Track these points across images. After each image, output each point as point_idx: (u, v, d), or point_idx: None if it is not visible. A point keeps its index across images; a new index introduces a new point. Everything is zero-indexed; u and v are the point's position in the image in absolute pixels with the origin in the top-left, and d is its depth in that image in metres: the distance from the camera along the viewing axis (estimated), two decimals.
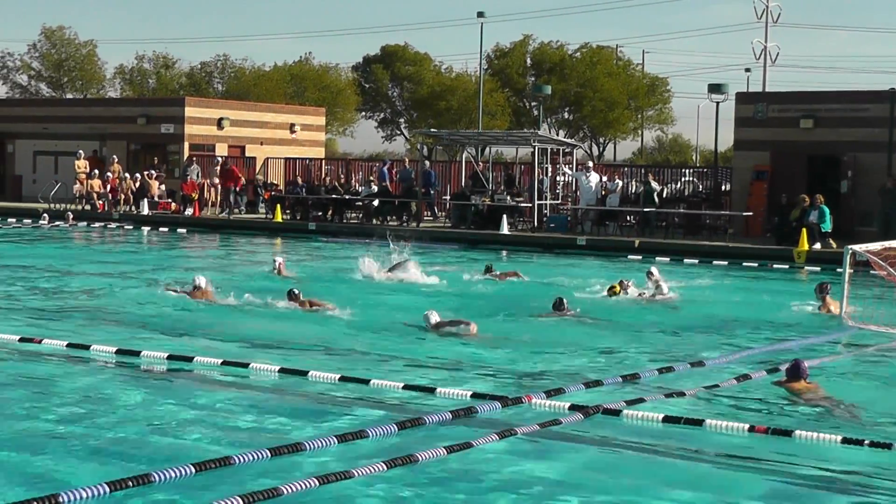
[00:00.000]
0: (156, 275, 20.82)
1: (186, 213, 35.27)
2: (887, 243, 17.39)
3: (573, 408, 10.02)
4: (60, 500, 6.97)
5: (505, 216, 30.19)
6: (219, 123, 40.97)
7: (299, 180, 36.56)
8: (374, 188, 34.47)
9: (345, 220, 33.58)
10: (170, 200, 36.70)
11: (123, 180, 36.99)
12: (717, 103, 32.84)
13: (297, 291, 16.67)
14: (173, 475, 7.60)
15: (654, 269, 19.75)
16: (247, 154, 41.62)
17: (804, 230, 26.06)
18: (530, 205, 31.38)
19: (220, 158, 38.58)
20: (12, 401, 10.44)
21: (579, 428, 9.66)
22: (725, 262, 25.32)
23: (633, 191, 33.33)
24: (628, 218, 31.74)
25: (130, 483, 7.42)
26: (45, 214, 34.35)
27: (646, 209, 30.46)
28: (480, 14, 47.36)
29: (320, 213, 34.03)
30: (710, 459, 9.04)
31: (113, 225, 33.61)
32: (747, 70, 69.97)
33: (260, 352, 13.12)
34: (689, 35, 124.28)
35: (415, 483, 8.14)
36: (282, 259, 21.40)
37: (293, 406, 10.49)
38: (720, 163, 35.25)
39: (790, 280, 23.26)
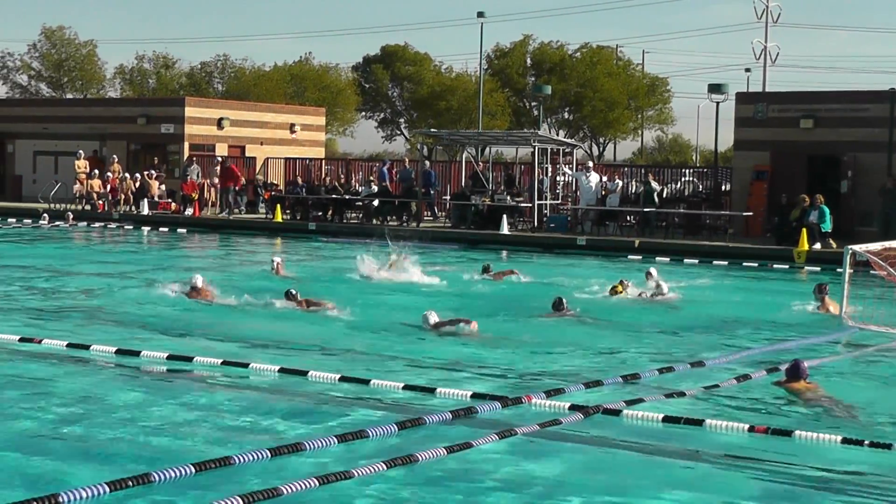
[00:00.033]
0: (156, 275, 20.81)
1: (186, 213, 35.27)
2: (887, 243, 17.39)
3: (573, 408, 10.02)
4: (60, 500, 6.98)
5: (505, 216, 30.19)
6: (219, 123, 40.98)
7: (299, 180, 36.56)
8: (374, 188, 34.48)
9: (345, 220, 33.58)
10: (170, 200, 36.70)
11: (123, 180, 37.00)
12: (717, 103, 32.85)
13: (294, 291, 16.66)
14: (173, 475, 7.61)
15: (652, 270, 19.78)
16: (247, 154, 41.62)
17: (804, 230, 26.06)
18: (530, 205, 31.38)
19: (219, 158, 38.59)
20: (12, 400, 10.44)
21: (579, 428, 9.66)
22: (725, 262, 25.32)
23: (633, 191, 33.33)
24: (628, 218, 31.75)
25: (130, 483, 7.42)
26: (45, 214, 34.36)
27: (646, 209, 30.46)
28: (480, 14, 47.35)
29: (320, 213, 34.03)
30: (710, 459, 9.03)
31: (113, 225, 33.62)
32: (747, 70, 70.03)
33: (259, 352, 13.12)
34: (689, 35, 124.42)
35: (415, 483, 8.14)
36: (280, 259, 21.42)
37: (293, 406, 10.49)
38: (720, 163, 35.25)
39: (790, 280, 23.26)
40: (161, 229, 32.60)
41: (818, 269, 23.90)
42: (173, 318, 15.75)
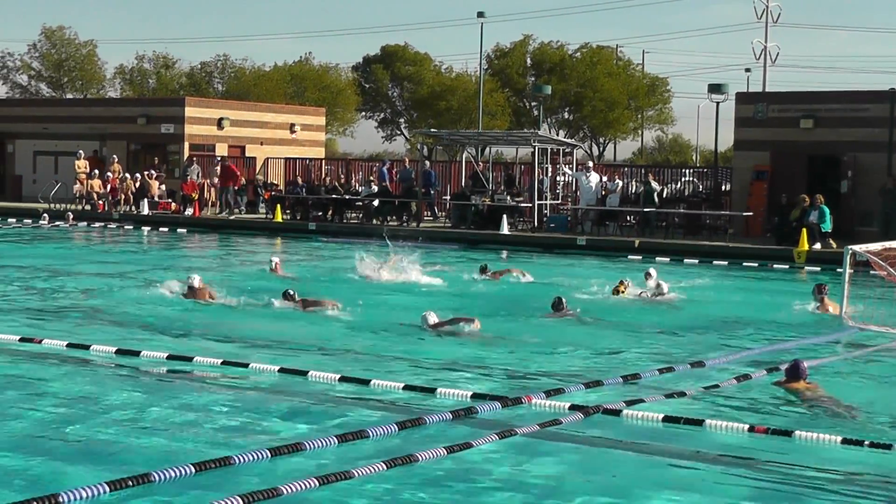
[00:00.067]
0: (156, 275, 20.80)
1: (186, 213, 35.27)
2: (887, 243, 17.39)
3: (573, 408, 10.02)
4: (60, 500, 6.98)
5: (505, 216, 30.19)
6: (219, 123, 40.98)
7: (299, 180, 36.57)
8: (374, 188, 34.48)
9: (345, 221, 33.59)
10: (170, 200, 36.70)
11: (124, 180, 37.01)
12: (717, 103, 32.85)
13: (292, 292, 16.65)
14: (173, 475, 7.61)
15: (652, 270, 19.78)
16: (247, 154, 41.63)
17: (804, 230, 26.06)
18: (530, 205, 31.38)
19: (218, 158, 38.59)
20: (12, 400, 10.44)
21: (579, 428, 9.66)
22: (725, 262, 25.32)
23: (633, 191, 33.34)
24: (628, 218, 31.75)
25: (130, 483, 7.42)
26: (45, 214, 34.36)
27: (646, 209, 30.46)
28: (480, 14, 47.35)
29: (320, 213, 34.03)
30: (710, 459, 9.03)
31: (113, 225, 33.62)
32: (747, 70, 70.03)
33: (259, 352, 13.11)
34: (689, 35, 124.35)
35: (415, 483, 8.14)
36: (278, 259, 21.43)
37: (293, 406, 10.49)
38: (720, 163, 35.26)
39: (790, 280, 23.26)
40: (161, 229, 32.60)
41: (818, 269, 23.90)
42: (172, 318, 15.75)
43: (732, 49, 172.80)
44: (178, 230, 32.50)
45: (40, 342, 12.99)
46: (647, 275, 19.43)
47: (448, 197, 34.52)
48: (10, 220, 34.33)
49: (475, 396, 10.47)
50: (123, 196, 36.63)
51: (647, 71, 77.73)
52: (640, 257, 26.18)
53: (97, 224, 33.63)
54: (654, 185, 31.32)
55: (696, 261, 25.53)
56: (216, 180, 36.66)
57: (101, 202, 36.53)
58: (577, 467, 8.88)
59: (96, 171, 37.45)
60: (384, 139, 76.42)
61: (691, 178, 35.93)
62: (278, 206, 33.57)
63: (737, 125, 31.77)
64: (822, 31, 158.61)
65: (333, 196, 33.92)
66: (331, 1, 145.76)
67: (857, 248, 16.53)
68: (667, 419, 9.77)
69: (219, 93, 69.24)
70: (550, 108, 67.80)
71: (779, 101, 31.67)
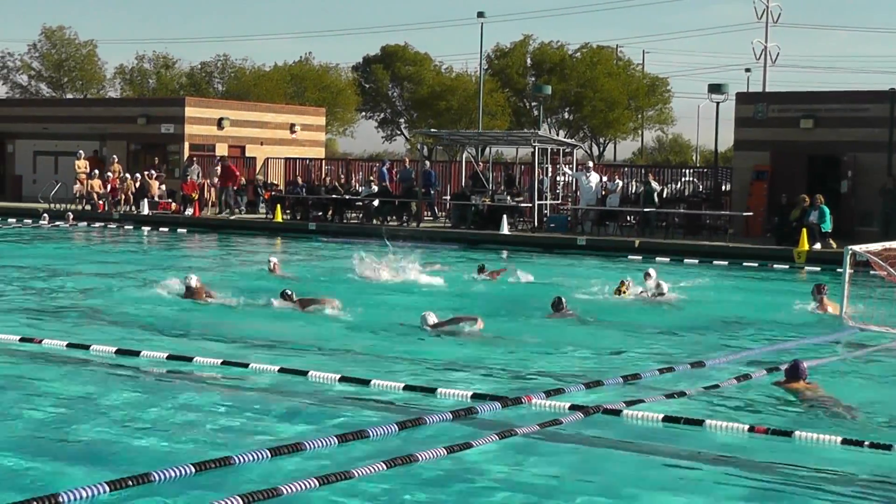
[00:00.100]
0: (155, 275, 20.80)
1: (186, 213, 35.27)
2: (887, 243, 17.39)
3: (573, 408, 10.02)
4: (60, 499, 6.97)
5: (505, 216, 30.19)
6: (219, 123, 40.98)
7: (299, 180, 36.56)
8: (374, 188, 34.48)
9: (345, 221, 33.58)
10: (170, 200, 36.70)
11: (124, 180, 37.01)
12: (718, 103, 32.85)
13: (289, 292, 16.64)
14: (173, 475, 7.60)
15: (651, 271, 19.78)
16: (247, 154, 41.64)
17: (804, 230, 26.06)
18: (530, 205, 31.38)
19: (218, 158, 38.59)
20: (12, 401, 10.44)
21: (579, 428, 9.66)
22: (725, 262, 25.32)
23: (634, 191, 33.34)
24: (628, 218, 31.75)
25: (130, 483, 7.42)
26: (46, 214, 34.35)
27: (646, 209, 30.46)
28: (480, 14, 47.34)
29: (320, 214, 34.03)
30: (710, 459, 9.03)
31: (113, 225, 33.61)
32: (747, 70, 70.07)
33: (258, 352, 13.11)
34: (689, 35, 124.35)
35: (415, 483, 8.14)
36: (276, 259, 21.43)
37: (293, 406, 10.48)
38: (720, 163, 35.26)
39: (790, 280, 23.26)
40: (161, 229, 32.60)
41: (818, 269, 23.90)
42: (171, 319, 15.75)
43: (732, 49, 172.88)
44: (178, 230, 32.50)
45: (40, 342, 12.99)
46: (647, 275, 19.43)
47: (448, 197, 34.52)
48: (10, 220, 34.33)
49: (475, 396, 10.47)
50: (123, 196, 36.63)
51: (647, 71, 77.80)
52: (640, 257, 26.17)
53: (97, 224, 33.62)
54: (654, 185, 31.32)
55: (696, 261, 25.53)
56: (216, 180, 36.66)
57: (101, 202, 36.53)
58: (577, 467, 8.87)
59: (96, 171, 37.44)
60: (384, 139, 76.54)
61: (691, 178, 35.94)
62: (278, 206, 33.57)
63: (737, 125, 31.77)
64: (822, 31, 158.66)
65: (333, 196, 33.92)
66: (331, 1, 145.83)
67: (857, 248, 16.53)
68: (667, 419, 9.77)
69: (219, 93, 69.24)
70: (550, 108, 67.80)
71: (779, 101, 31.67)
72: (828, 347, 14.54)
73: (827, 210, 26.97)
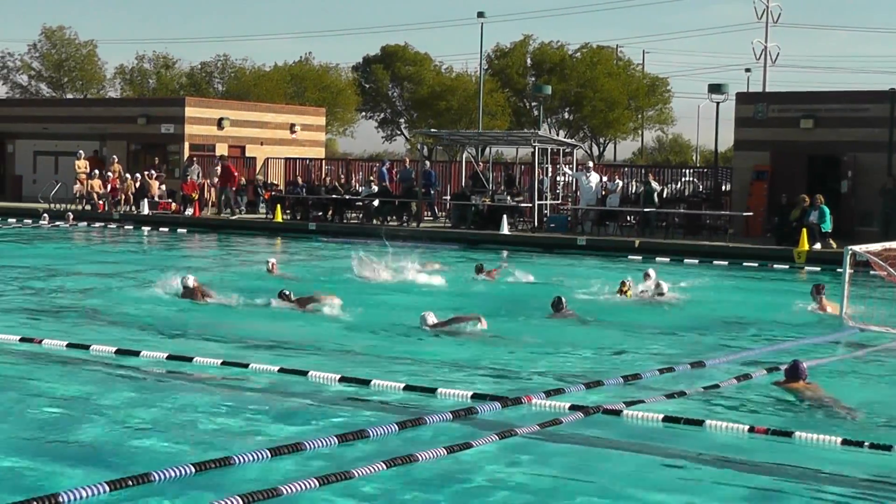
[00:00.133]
0: (155, 275, 20.80)
1: (186, 213, 35.27)
2: (887, 244, 17.39)
3: (573, 408, 10.02)
4: (60, 499, 6.97)
5: (505, 216, 30.19)
6: (219, 123, 40.98)
7: (299, 180, 36.56)
8: (375, 188, 34.48)
9: (345, 221, 33.59)
10: (170, 200, 36.70)
11: (124, 180, 37.00)
12: (718, 103, 32.86)
13: (287, 292, 16.63)
14: (173, 475, 7.60)
15: (651, 271, 19.78)
16: (247, 154, 41.64)
17: (804, 230, 26.06)
18: (530, 205, 31.38)
19: (218, 158, 38.58)
20: (12, 401, 10.44)
21: (579, 428, 9.65)
22: (725, 262, 25.32)
23: (634, 191, 33.34)
24: (628, 218, 31.75)
25: (130, 483, 7.42)
26: (46, 214, 34.36)
27: (646, 209, 30.46)
28: (480, 14, 47.34)
29: (320, 214, 34.03)
30: (710, 460, 9.03)
31: (113, 225, 33.61)
32: (747, 70, 70.09)
33: (258, 352, 13.11)
34: (689, 35, 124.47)
35: (415, 483, 8.14)
36: (275, 259, 21.44)
37: (293, 406, 10.49)
38: (720, 163, 35.26)
39: (790, 280, 23.25)
40: (161, 229, 32.60)
41: (818, 269, 23.90)
42: (170, 319, 15.74)
43: (732, 49, 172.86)
44: (178, 230, 32.50)
45: (40, 342, 12.99)
46: (647, 275, 19.43)
47: (448, 197, 34.52)
48: (10, 220, 34.33)
49: (475, 396, 10.47)
50: (123, 196, 36.63)
51: (647, 71, 77.82)
52: (640, 257, 26.17)
53: (97, 224, 33.63)
54: (654, 185, 31.32)
55: (696, 261, 25.53)
56: (216, 180, 36.66)
57: (101, 202, 36.53)
58: (578, 467, 8.87)
59: (96, 171, 37.44)
60: (384, 139, 76.54)
61: (691, 178, 35.94)
62: (278, 206, 33.57)
63: (737, 125, 31.77)
64: (822, 31, 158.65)
65: (333, 196, 33.92)
66: (331, 1, 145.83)
67: (857, 248, 16.53)
68: (667, 419, 9.77)
69: (219, 93, 69.24)
70: (550, 108, 67.80)
71: (779, 101, 31.68)
72: (827, 347, 14.54)
73: (827, 210, 26.97)
